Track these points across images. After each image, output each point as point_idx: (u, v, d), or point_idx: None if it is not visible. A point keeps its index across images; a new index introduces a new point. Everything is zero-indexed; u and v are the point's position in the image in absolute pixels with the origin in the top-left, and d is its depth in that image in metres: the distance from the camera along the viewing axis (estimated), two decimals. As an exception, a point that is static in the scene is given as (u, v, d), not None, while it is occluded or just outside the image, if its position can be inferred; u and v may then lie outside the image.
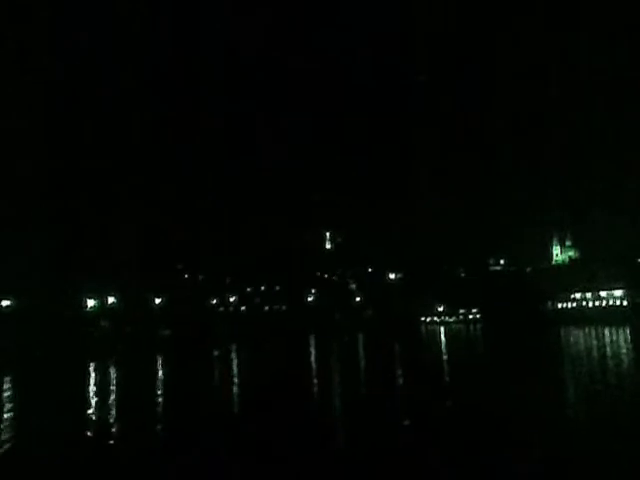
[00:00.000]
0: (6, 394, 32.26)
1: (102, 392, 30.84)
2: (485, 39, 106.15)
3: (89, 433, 20.03)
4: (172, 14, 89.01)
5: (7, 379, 39.24)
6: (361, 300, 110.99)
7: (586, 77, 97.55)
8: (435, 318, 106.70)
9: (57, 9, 74.22)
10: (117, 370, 44.41)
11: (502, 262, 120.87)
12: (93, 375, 41.08)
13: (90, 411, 24.58)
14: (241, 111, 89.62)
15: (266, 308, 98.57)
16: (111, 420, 22.31)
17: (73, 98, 73.55)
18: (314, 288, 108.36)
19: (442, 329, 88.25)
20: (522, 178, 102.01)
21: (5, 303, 64.62)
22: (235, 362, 49.64)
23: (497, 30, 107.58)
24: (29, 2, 70.44)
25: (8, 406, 26.95)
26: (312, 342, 67.16)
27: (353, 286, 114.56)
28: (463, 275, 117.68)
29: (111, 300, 73.99)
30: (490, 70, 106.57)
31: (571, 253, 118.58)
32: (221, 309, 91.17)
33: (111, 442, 18.43)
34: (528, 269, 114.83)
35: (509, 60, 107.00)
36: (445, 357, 44.57)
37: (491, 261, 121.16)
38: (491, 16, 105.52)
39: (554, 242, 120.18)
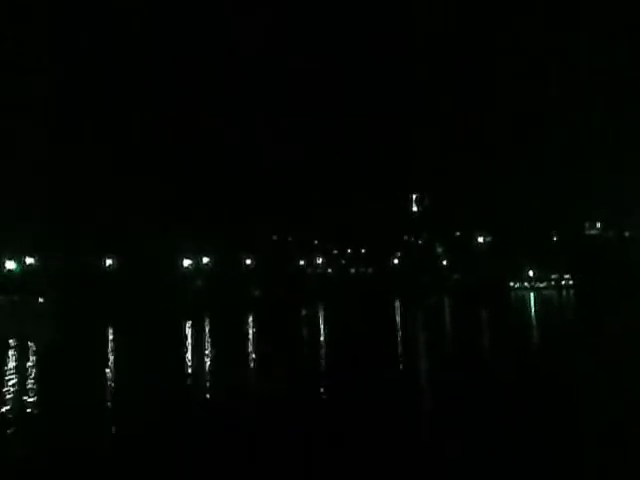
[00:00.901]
0: (112, 342, 35.21)
1: (199, 346, 32.92)
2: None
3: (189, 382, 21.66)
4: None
5: (110, 330, 42.63)
6: (448, 264, 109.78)
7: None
8: (525, 283, 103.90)
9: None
10: (211, 327, 46.92)
11: (598, 226, 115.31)
12: (190, 331, 43.68)
13: (189, 364, 26.41)
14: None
15: (352, 270, 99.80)
16: (210, 371, 23.94)
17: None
18: (400, 251, 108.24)
19: (532, 295, 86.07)
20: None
21: (109, 262, 69.61)
22: (322, 321, 51.09)
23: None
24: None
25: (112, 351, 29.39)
26: (397, 304, 67.62)
27: (439, 249, 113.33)
28: (556, 239, 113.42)
29: (205, 260, 77.73)
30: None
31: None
32: (309, 270, 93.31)
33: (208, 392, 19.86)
34: (626, 233, 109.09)
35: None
36: (535, 323, 43.80)
37: (587, 225, 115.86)
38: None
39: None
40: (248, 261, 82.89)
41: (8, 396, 19.40)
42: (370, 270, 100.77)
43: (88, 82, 75.28)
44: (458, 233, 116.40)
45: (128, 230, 69.58)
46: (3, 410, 17.42)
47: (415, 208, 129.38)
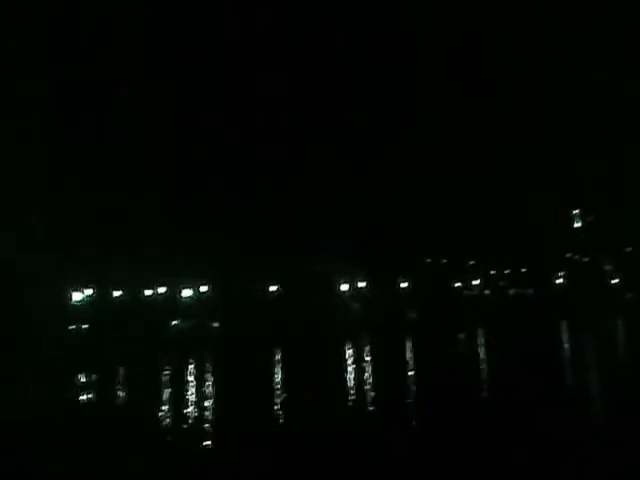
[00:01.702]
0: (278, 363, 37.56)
1: (361, 368, 34.05)
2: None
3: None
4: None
5: (278, 351, 45.40)
6: (619, 282, 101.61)
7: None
8: None
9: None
10: (371, 349, 47.97)
11: None
12: (350, 352, 45.14)
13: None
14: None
15: (511, 291, 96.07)
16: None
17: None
18: (563, 270, 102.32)
19: None
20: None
21: (272, 288, 74.38)
22: (481, 346, 49.93)
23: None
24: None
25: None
26: (563, 327, 64.05)
27: (608, 267, 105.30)
28: None
29: (361, 285, 79.63)
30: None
31: None
32: (465, 292, 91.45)
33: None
34: None
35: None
36: None
37: None
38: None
39: None
40: (404, 284, 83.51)
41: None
42: (531, 291, 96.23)
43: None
44: (629, 249, 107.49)
45: (289, 257, 73.61)
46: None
47: (578, 224, 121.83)
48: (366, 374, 31.34)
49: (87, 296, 66.51)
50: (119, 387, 31.37)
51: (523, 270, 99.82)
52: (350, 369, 33.82)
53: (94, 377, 35.44)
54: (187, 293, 72.21)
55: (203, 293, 73.34)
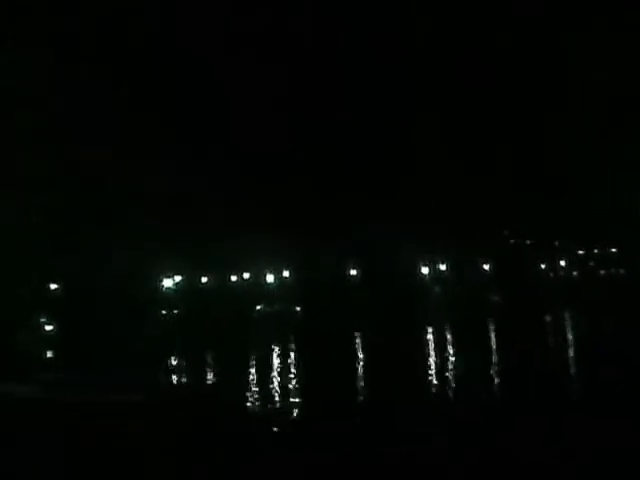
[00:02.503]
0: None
1: (442, 350, 34.19)
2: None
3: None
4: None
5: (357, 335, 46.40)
6: None
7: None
8: None
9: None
10: (452, 332, 47.85)
11: None
12: (431, 336, 45.25)
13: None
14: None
15: (601, 272, 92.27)
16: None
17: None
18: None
19: None
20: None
21: (353, 272, 75.59)
22: (569, 329, 48.59)
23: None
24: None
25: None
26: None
27: None
28: None
29: (442, 267, 79.09)
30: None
31: None
32: (551, 274, 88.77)
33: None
34: None
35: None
36: None
37: None
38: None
39: None
40: (486, 266, 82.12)
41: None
42: (622, 271, 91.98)
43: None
44: None
45: (369, 241, 74.07)
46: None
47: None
48: (449, 362, 31.47)
49: (176, 283, 69.90)
50: (212, 370, 33.12)
51: (613, 250, 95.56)
52: (431, 356, 34.02)
53: (185, 360, 37.50)
54: (270, 279, 74.65)
55: (285, 278, 75.52)
